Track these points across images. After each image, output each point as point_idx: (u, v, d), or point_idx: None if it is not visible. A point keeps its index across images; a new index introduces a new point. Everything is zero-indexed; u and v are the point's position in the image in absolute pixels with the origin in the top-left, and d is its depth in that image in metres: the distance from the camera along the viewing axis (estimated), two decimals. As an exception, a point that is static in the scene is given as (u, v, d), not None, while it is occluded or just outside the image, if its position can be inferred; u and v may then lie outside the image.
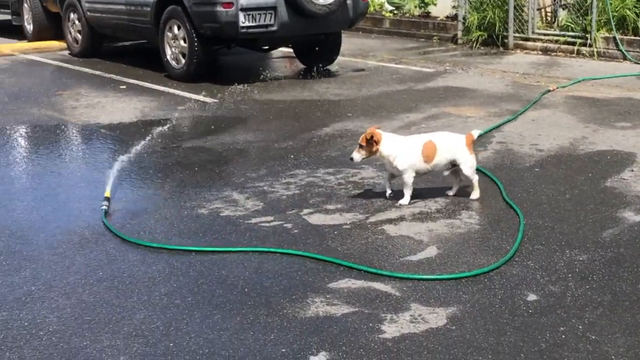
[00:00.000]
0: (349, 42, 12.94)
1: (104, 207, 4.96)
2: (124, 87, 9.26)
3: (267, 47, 10.41)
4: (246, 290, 3.91)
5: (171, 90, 9.02)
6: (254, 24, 9.01)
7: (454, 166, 5.15)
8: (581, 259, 4.23)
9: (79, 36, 11.34)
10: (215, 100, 8.51)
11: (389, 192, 5.19)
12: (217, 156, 6.40)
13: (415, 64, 11.03)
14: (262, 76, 9.88)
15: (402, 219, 4.90)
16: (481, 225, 4.78)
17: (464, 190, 5.30)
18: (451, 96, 8.73)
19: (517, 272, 4.09)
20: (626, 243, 4.43)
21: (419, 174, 5.16)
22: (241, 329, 3.51)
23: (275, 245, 4.47)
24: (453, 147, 5.11)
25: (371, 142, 4.99)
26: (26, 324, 3.56)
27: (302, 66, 10.75)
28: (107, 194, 5.17)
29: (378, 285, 3.95)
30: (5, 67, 10.82)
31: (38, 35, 12.88)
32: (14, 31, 13.70)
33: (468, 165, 5.12)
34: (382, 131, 5.10)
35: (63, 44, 12.09)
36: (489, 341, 3.38)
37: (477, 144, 6.60)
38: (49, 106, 8.20)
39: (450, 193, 5.29)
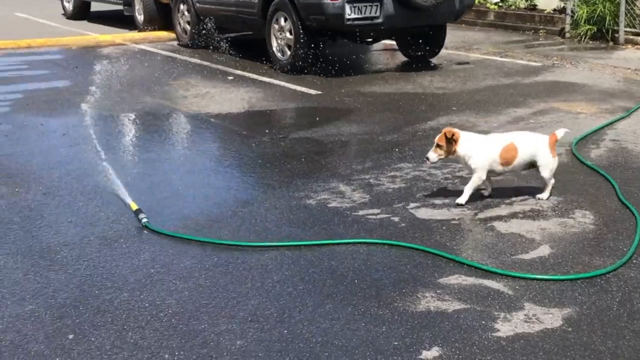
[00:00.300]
0: (452, 34, 12.77)
1: (145, 220, 4.63)
2: (232, 77, 9.45)
3: (370, 40, 10.40)
4: (356, 281, 3.95)
5: (276, 82, 9.15)
6: (359, 15, 9.02)
7: (532, 167, 5.03)
8: None
9: (188, 27, 11.64)
10: (320, 92, 8.58)
11: (488, 191, 5.13)
12: (322, 147, 6.46)
13: (521, 58, 10.80)
14: (365, 68, 9.89)
15: (512, 216, 4.83)
16: (596, 225, 4.65)
17: (566, 189, 5.17)
18: (560, 91, 8.51)
19: (635, 274, 3.97)
20: None
21: (494, 174, 5.06)
22: (352, 320, 3.55)
23: (384, 239, 4.48)
24: (534, 148, 4.96)
25: (451, 142, 4.87)
26: (147, 305, 3.70)
27: (404, 59, 10.70)
28: (134, 206, 4.82)
29: (489, 283, 3.91)
30: (118, 56, 11.23)
31: (148, 26, 13.30)
32: (125, 21, 14.19)
33: (548, 168, 4.98)
34: (459, 130, 4.99)
35: (172, 35, 12.44)
36: (607, 344, 3.30)
37: (590, 142, 6.44)
38: (160, 95, 8.47)
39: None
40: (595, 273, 3.93)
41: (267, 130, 6.96)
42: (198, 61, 10.57)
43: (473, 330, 3.44)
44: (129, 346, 3.33)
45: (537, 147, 4.96)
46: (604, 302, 3.68)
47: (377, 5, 9.05)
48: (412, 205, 5.05)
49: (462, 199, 4.96)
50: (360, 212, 4.92)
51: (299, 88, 8.78)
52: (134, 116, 7.59)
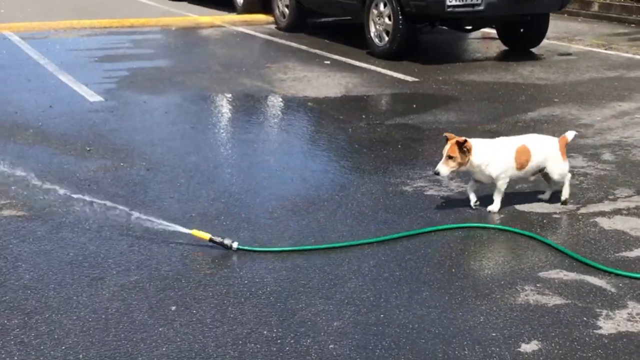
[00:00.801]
0: (553, 24, 12.40)
1: (235, 245, 4.13)
2: (328, 62, 9.50)
3: (470, 27, 10.25)
4: (453, 270, 3.93)
5: (373, 68, 9.14)
6: (460, 3, 8.90)
7: (541, 171, 4.75)
8: None
9: (287, 11, 11.74)
10: (417, 79, 8.52)
11: (474, 200, 4.74)
12: (419, 135, 6.42)
13: (627, 51, 10.42)
14: (463, 56, 9.75)
15: (616, 212, 4.69)
16: None
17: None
18: (668, 86, 8.19)
19: None
20: None
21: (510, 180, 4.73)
22: (449, 308, 3.53)
23: (481, 229, 4.44)
24: (545, 151, 4.68)
25: (464, 151, 4.48)
26: (246, 281, 3.79)
27: (504, 48, 10.49)
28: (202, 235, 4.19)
29: (592, 279, 3.82)
30: (217, 38, 11.44)
31: (246, 8, 13.49)
32: (224, 3, 14.42)
33: (557, 172, 4.70)
34: (469, 138, 4.59)
35: (270, 18, 12.58)
36: None
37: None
38: (258, 77, 8.59)
39: (545, 197, 4.89)
40: None
41: (363, 116, 6.97)
42: (296, 45, 10.66)
43: (574, 326, 3.37)
44: (229, 320, 3.42)
45: (548, 150, 4.68)
46: None
47: (479, -7, 8.90)
48: (511, 195, 4.96)
49: (494, 207, 4.67)
50: (457, 201, 4.88)
51: (395, 74, 8.75)
52: (232, 97, 7.73)
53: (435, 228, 4.43)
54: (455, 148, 4.48)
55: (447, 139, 4.57)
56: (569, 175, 4.78)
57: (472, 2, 8.95)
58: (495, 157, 4.58)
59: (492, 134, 6.33)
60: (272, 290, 3.71)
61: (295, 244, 4.22)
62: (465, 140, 4.49)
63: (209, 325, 3.39)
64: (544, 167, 4.72)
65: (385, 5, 9.47)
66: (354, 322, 3.42)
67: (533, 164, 4.67)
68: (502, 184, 4.65)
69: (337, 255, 4.09)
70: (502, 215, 4.65)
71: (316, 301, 3.61)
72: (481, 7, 8.99)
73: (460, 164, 4.52)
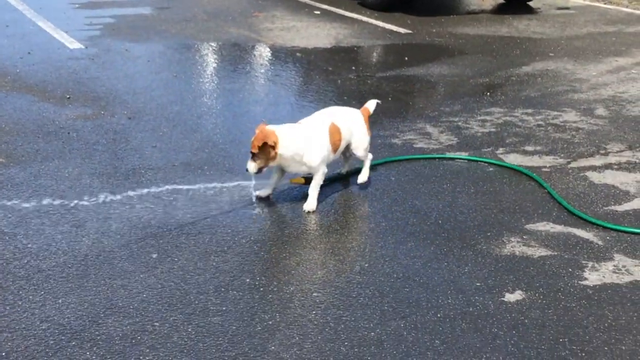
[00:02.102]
0: (553, -23, 12.44)
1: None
2: (318, 12, 9.47)
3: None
4: (440, 222, 4.00)
5: (364, 19, 9.12)
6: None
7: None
8: None
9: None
10: (409, 31, 8.52)
11: (257, 194, 4.20)
12: (410, 88, 6.46)
13: (626, 5, 10.44)
14: (458, 9, 9.75)
15: (607, 167, 4.77)
16: (697, 182, 4.56)
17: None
18: (667, 42, 8.23)
19: None
20: None
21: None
22: (435, 259, 3.61)
23: (470, 182, 4.51)
24: (350, 125, 4.27)
25: (266, 149, 3.94)
26: (229, 230, 3.85)
27: (501, 1, 10.48)
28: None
29: (579, 232, 3.90)
30: (203, -14, 11.35)
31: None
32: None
33: (363, 147, 4.32)
34: (273, 127, 4.02)
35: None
36: (700, 301, 3.28)
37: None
38: (245, 27, 8.57)
39: (344, 171, 4.54)
40: (693, 229, 3.87)
41: (353, 67, 6.99)
42: (284, -6, 10.60)
43: (559, 277, 3.46)
44: (211, 268, 3.48)
45: (353, 123, 4.29)
46: (700, 259, 3.64)
47: (475, -58, 8.86)
48: (501, 150, 5.03)
49: (310, 205, 4.09)
50: (447, 155, 4.94)
51: (388, 26, 8.74)
52: (218, 46, 7.72)
53: (421, 156, 4.51)
54: (257, 143, 3.94)
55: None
56: (371, 155, 4.42)
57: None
58: (310, 144, 4.06)
59: (484, 89, 6.40)
60: (255, 239, 3.78)
61: (281, 194, 4.28)
62: (265, 143, 3.92)
63: (190, 273, 3.45)
64: (350, 143, 4.32)
65: (378, -46, 9.41)
66: (337, 271, 3.50)
67: (343, 142, 4.25)
68: (320, 176, 4.12)
69: (323, 207, 4.15)
70: (491, 169, 4.71)
71: (300, 250, 3.68)
72: (477, -43, 8.95)
73: (266, 160, 4.00)
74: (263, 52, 7.60)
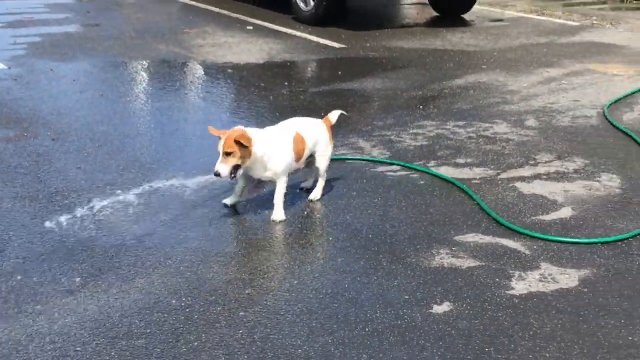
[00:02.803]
0: (487, -10, 12.76)
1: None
2: (251, 28, 9.54)
3: (399, -8, 10.43)
4: (370, 236, 4.08)
5: (298, 34, 9.23)
6: (388, -34, 9.04)
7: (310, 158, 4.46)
8: None
9: (207, -26, 11.69)
10: (344, 46, 8.65)
11: (225, 202, 4.36)
12: (343, 102, 6.55)
13: (559, 17, 10.78)
14: (393, 23, 9.92)
15: (536, 177, 4.92)
16: (623, 190, 4.73)
17: (595, 152, 5.24)
18: (597, 52, 8.52)
19: (659, 239, 4.06)
20: None
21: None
22: (364, 274, 3.68)
23: (401, 195, 4.61)
24: (316, 136, 4.40)
25: (241, 147, 4.00)
26: (155, 252, 3.86)
27: (435, 14, 10.71)
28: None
29: (507, 242, 4.02)
30: (133, 2, 11.33)
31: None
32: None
33: (326, 157, 4.47)
34: (242, 128, 4.13)
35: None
36: (622, 306, 3.41)
37: (624, 105, 6.48)
38: (176, 44, 8.59)
39: (307, 186, 4.65)
40: (617, 238, 4.02)
41: (286, 83, 7.06)
42: (217, 10, 10.66)
43: (486, 287, 3.56)
44: (136, 291, 3.49)
45: (318, 134, 4.42)
46: (623, 265, 3.78)
47: (407, -45, 9.06)
48: (433, 163, 5.15)
49: (279, 216, 4.22)
50: (380, 169, 5.04)
51: (322, 41, 8.86)
52: (147, 64, 7.72)
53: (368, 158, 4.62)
54: (232, 142, 3.98)
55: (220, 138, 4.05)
56: (325, 174, 4.53)
57: (400, -34, 9.10)
58: (276, 149, 4.18)
59: (417, 102, 6.54)
60: (182, 259, 3.79)
61: (210, 212, 4.30)
62: (243, 135, 4.02)
63: (115, 296, 3.45)
64: (314, 153, 4.43)
65: (310, -32, 9.54)
66: (266, 289, 3.54)
67: (307, 152, 4.36)
68: (283, 184, 4.24)
69: (252, 225, 4.19)
70: (422, 182, 4.82)
71: (228, 270, 3.71)
72: (409, -29, 9.14)
73: (243, 158, 4.03)
74: (194, 69, 7.63)
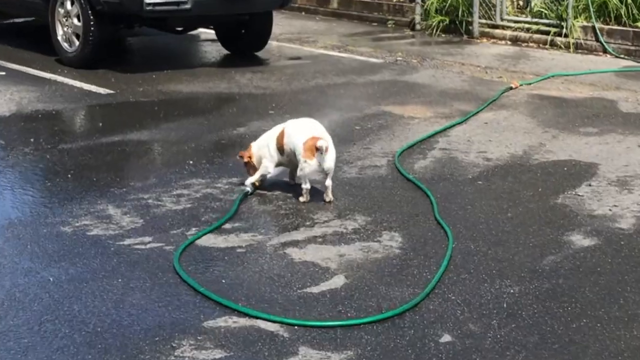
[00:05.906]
0: (288, 24, 12.90)
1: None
2: (3, 73, 9.03)
3: (181, 29, 10.25)
4: (99, 329, 3.75)
5: (60, 78, 8.82)
6: (162, 1, 8.84)
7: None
8: (512, 291, 4.17)
9: (-45, 10, 11.03)
10: (111, 91, 8.33)
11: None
12: (99, 160, 6.21)
13: (362, 53, 10.97)
14: (175, 63, 9.72)
15: (310, 240, 4.78)
16: (402, 250, 4.68)
17: (379, 207, 5.21)
18: (397, 92, 8.68)
19: (434, 306, 4.00)
20: (567, 273, 4.40)
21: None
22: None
23: (147, 274, 4.31)
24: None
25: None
26: None
27: (225, 52, 10.61)
28: None
29: (264, 324, 3.82)
30: None
31: None
32: None
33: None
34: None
35: None
36: (384, 395, 3.27)
37: (417, 152, 6.54)
38: None
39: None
40: (382, 316, 3.87)
41: (32, 139, 6.63)
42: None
43: (228, 385, 3.32)
44: None
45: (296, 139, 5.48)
46: (392, 341, 3.67)
47: (184, -11, 8.91)
48: (193, 230, 4.91)
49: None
50: (127, 242, 4.73)
51: (86, 86, 8.49)
52: None
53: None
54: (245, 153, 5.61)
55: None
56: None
57: (176, 0, 8.93)
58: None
59: (187, 157, 6.30)
60: None
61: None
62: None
63: None
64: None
65: (72, 3, 9.17)
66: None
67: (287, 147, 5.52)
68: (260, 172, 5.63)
69: (-52, 324, 3.76)
70: (172, 248, 4.55)
71: None
72: (188, 6, 8.98)
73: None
74: None
